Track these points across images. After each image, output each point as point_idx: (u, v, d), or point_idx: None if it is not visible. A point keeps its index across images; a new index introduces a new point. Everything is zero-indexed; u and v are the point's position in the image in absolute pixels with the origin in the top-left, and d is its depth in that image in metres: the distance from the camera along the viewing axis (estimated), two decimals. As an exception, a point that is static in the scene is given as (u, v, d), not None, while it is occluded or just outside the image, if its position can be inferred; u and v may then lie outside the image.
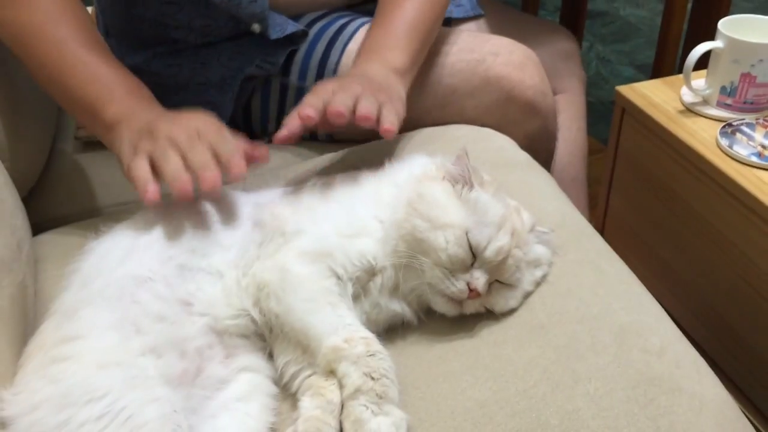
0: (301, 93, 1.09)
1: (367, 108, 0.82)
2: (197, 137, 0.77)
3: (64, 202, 1.03)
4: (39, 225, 0.98)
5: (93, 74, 0.86)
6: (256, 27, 1.03)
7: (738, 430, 0.70)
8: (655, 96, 1.20)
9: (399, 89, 0.92)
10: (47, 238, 0.95)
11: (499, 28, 1.29)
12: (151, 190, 0.75)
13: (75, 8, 0.91)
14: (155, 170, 0.76)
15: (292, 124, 0.82)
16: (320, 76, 1.08)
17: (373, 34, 0.98)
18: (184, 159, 0.76)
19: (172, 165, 0.75)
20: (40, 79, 0.90)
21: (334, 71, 1.08)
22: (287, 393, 0.73)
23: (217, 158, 0.76)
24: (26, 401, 0.64)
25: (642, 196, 1.24)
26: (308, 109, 0.81)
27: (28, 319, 0.78)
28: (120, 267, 0.74)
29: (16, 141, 0.95)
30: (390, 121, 0.83)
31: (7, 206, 0.82)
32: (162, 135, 0.78)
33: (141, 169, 0.76)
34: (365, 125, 0.82)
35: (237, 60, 1.08)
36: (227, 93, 1.08)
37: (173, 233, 0.77)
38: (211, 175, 0.74)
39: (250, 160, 0.79)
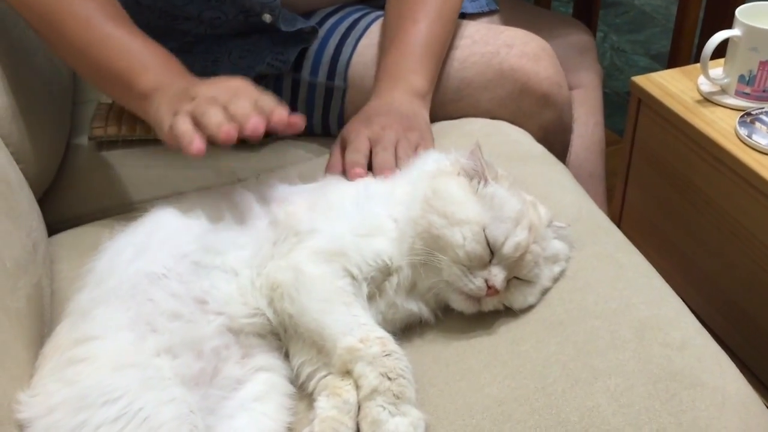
0: (312, 89, 1.09)
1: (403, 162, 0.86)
2: (237, 94, 0.78)
3: (80, 203, 1.03)
4: (54, 225, 0.98)
5: (124, 47, 0.87)
6: (267, 17, 1.02)
7: (762, 424, 0.69)
8: (671, 86, 1.18)
9: (424, 115, 0.95)
10: (63, 238, 0.95)
11: (513, 22, 1.28)
12: (197, 142, 0.75)
13: None
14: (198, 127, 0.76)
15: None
16: (332, 71, 1.07)
17: (391, 55, 0.99)
18: (226, 111, 0.76)
19: (215, 117, 0.75)
20: (69, 57, 0.90)
21: (347, 67, 1.07)
22: (304, 392, 0.72)
23: (259, 110, 0.76)
24: (43, 403, 0.64)
25: (659, 188, 1.22)
26: (356, 169, 0.85)
27: (44, 320, 0.78)
28: (133, 265, 0.73)
29: (31, 142, 0.95)
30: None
31: (22, 208, 0.82)
32: (202, 95, 0.78)
33: (184, 124, 0.76)
34: None
35: (247, 58, 1.07)
36: None
37: (187, 230, 0.77)
38: (254, 119, 0.74)
39: (286, 124, 0.79)
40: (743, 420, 0.68)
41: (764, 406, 0.71)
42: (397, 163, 0.86)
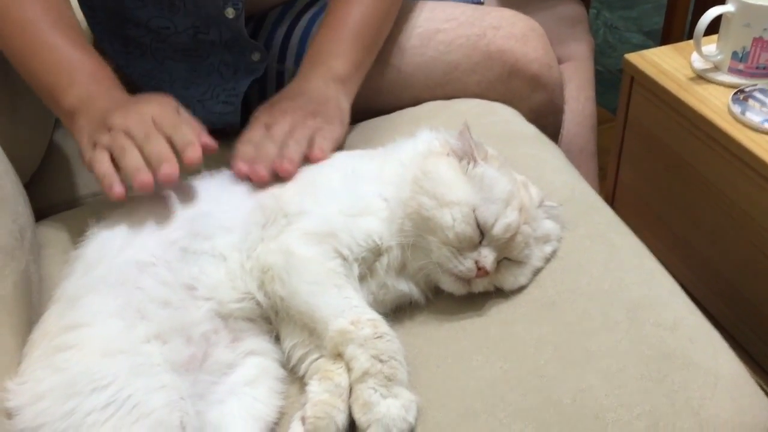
0: (281, 75, 1.07)
1: (289, 156, 0.82)
2: (153, 127, 0.77)
3: (67, 188, 1.02)
4: (42, 211, 0.97)
5: (55, 59, 0.84)
6: (230, 12, 0.97)
7: (754, 404, 0.69)
8: (664, 63, 1.17)
9: (339, 101, 0.92)
10: (50, 224, 0.94)
11: None
12: (116, 188, 0.75)
13: None
14: (115, 164, 0.76)
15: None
16: None
17: (318, 39, 0.96)
18: (141, 151, 0.75)
19: (130, 161, 0.75)
20: (10, 60, 0.88)
21: None
22: (295, 376, 0.72)
23: (173, 147, 0.76)
24: (31, 391, 0.64)
25: (652, 167, 1.22)
26: (240, 164, 0.82)
27: (32, 307, 0.77)
28: (122, 252, 0.73)
29: (17, 126, 0.94)
30: (320, 149, 0.84)
31: (8, 192, 0.81)
32: (117, 128, 0.77)
33: (102, 165, 0.76)
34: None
35: (191, 89, 1.05)
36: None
37: (175, 216, 0.76)
38: (166, 167, 0.74)
39: (205, 148, 0.78)
40: (736, 400, 0.68)
41: (757, 387, 0.71)
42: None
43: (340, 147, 0.89)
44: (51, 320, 0.70)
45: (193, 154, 0.75)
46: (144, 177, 0.74)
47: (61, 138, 1.08)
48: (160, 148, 0.75)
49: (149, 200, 0.78)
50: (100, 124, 0.79)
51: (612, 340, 0.71)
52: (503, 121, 1.00)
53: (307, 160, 0.83)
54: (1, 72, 0.92)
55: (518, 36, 1.03)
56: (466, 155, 0.75)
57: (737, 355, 0.73)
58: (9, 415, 0.63)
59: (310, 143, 0.84)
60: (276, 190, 0.78)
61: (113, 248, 0.73)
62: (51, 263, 0.85)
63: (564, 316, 0.73)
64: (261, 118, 0.88)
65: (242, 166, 0.81)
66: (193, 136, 0.77)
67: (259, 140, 0.84)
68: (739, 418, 0.67)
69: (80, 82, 0.83)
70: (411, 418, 0.65)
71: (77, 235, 0.78)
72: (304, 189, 0.78)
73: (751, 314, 1.08)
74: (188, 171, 0.77)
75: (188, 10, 1.00)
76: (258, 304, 0.73)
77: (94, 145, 0.78)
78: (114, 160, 0.76)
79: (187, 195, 0.78)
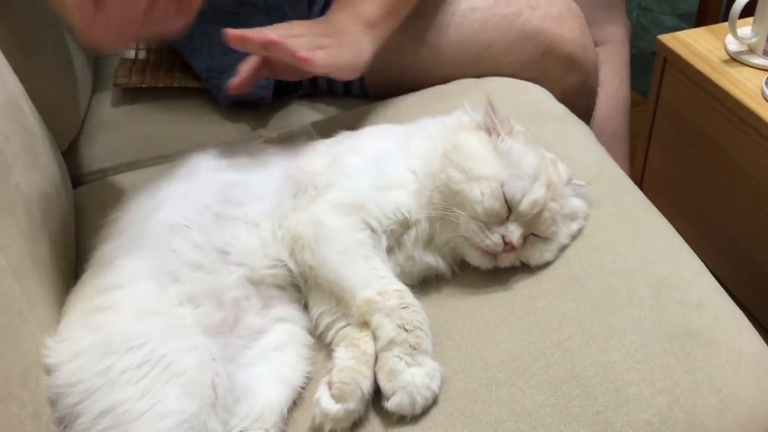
0: None
1: (290, 42, 0.81)
2: None
3: (103, 156, 1.04)
4: (78, 178, 1.00)
5: None
6: None
7: (776, 384, 0.69)
8: (698, 45, 1.16)
9: (360, 38, 0.90)
10: (86, 190, 0.96)
11: None
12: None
13: None
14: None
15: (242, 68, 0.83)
16: None
17: None
18: None
19: None
20: None
21: None
22: (322, 343, 0.73)
23: None
24: (69, 349, 0.66)
25: (683, 149, 1.21)
26: (230, 30, 0.80)
27: (69, 269, 0.80)
28: (155, 216, 0.74)
29: (55, 95, 0.96)
30: (312, 55, 0.81)
31: (47, 159, 0.83)
32: None
33: None
34: (279, 54, 0.80)
35: (229, 55, 1.01)
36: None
37: (208, 182, 0.78)
38: None
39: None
40: (758, 379, 0.68)
41: (780, 366, 0.71)
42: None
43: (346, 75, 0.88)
44: (88, 282, 0.72)
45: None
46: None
47: (97, 109, 1.10)
48: None
49: (182, 169, 0.80)
50: None
51: (636, 317, 0.71)
52: (533, 100, 1.00)
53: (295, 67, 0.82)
54: (40, 44, 0.94)
55: (555, 16, 1.02)
56: (493, 129, 0.76)
57: (761, 336, 0.73)
58: (48, 371, 0.65)
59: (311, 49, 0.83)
60: (305, 163, 0.80)
61: (147, 211, 0.75)
62: (85, 228, 0.88)
63: (588, 292, 0.74)
64: (276, 24, 0.86)
65: (236, 31, 0.80)
66: None
67: (266, 29, 0.83)
68: (760, 396, 0.67)
69: None
70: (435, 387, 0.66)
71: (112, 202, 0.80)
72: (333, 162, 0.79)
73: (778, 298, 1.08)
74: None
75: None
76: (289, 271, 0.74)
77: None
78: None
79: (221, 163, 0.80)
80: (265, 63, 0.87)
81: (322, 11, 1.06)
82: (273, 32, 0.82)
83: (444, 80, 1.04)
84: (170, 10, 0.74)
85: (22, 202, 0.72)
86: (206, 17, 1.05)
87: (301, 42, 0.82)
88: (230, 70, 1.03)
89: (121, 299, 0.68)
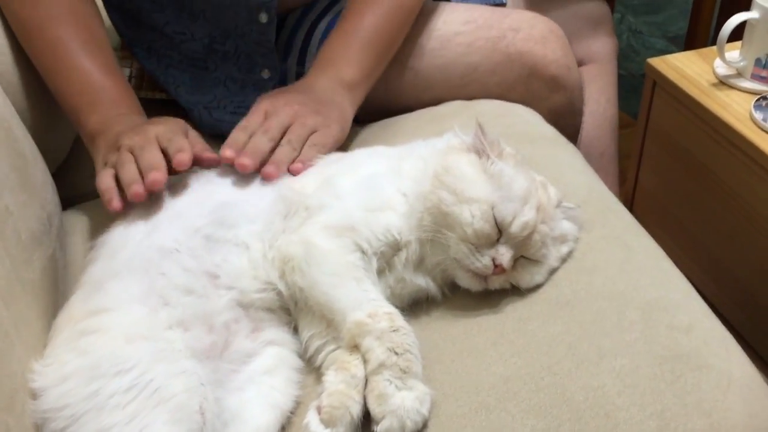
0: (300, 78, 1.08)
1: (277, 159, 0.83)
2: (151, 141, 0.80)
3: (94, 177, 1.04)
4: (68, 199, 0.99)
5: (82, 81, 0.88)
6: (263, 17, 0.99)
7: (766, 408, 0.69)
8: (687, 68, 1.17)
9: (343, 105, 0.92)
10: (76, 212, 0.96)
11: None
12: (114, 203, 0.78)
13: (82, 7, 0.91)
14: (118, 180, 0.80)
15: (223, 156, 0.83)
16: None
17: (331, 43, 0.97)
18: (138, 163, 0.79)
19: (126, 173, 0.78)
20: (41, 76, 0.92)
21: None
22: (312, 366, 0.73)
23: (167, 156, 0.79)
24: (56, 373, 0.65)
25: (672, 171, 1.22)
26: (228, 151, 0.82)
27: (58, 292, 0.79)
28: (146, 239, 0.74)
29: (47, 116, 0.96)
30: (305, 161, 0.83)
31: (37, 181, 0.83)
32: (124, 146, 0.81)
33: (104, 181, 0.80)
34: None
35: (196, 95, 1.06)
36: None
37: (199, 205, 0.78)
38: (153, 174, 0.77)
39: (198, 161, 0.81)
40: (748, 403, 0.68)
41: (769, 390, 0.72)
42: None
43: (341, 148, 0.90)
44: (76, 305, 0.72)
45: (182, 157, 0.79)
46: (136, 188, 0.77)
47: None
48: (151, 156, 0.79)
49: (174, 189, 0.80)
50: (112, 145, 0.83)
51: (626, 341, 0.71)
52: (523, 122, 1.01)
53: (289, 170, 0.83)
54: (32, 67, 0.94)
55: (537, 38, 1.03)
56: (483, 152, 0.76)
57: (750, 358, 0.73)
58: (34, 395, 0.65)
59: (303, 146, 0.85)
60: (296, 184, 0.80)
61: (138, 234, 0.75)
62: (76, 250, 0.88)
63: (579, 315, 0.74)
64: (262, 105, 0.88)
65: (229, 152, 0.82)
66: (186, 144, 0.80)
67: (255, 129, 0.85)
68: (750, 421, 0.67)
69: (103, 107, 0.87)
70: (425, 411, 0.66)
71: (102, 223, 0.80)
72: (324, 183, 0.79)
73: (765, 319, 1.08)
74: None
75: (208, 18, 1.01)
76: (279, 294, 0.74)
77: (105, 164, 0.83)
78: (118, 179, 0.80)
79: (211, 184, 0.80)
80: None
81: (299, 62, 1.07)
82: (263, 136, 0.84)
83: (432, 103, 1.05)
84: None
85: (11, 224, 0.72)
86: (170, 62, 1.06)
87: (294, 144, 0.84)
88: (199, 108, 1.04)
89: (110, 322, 0.68)
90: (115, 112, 0.87)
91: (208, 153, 0.82)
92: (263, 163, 0.82)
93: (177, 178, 0.81)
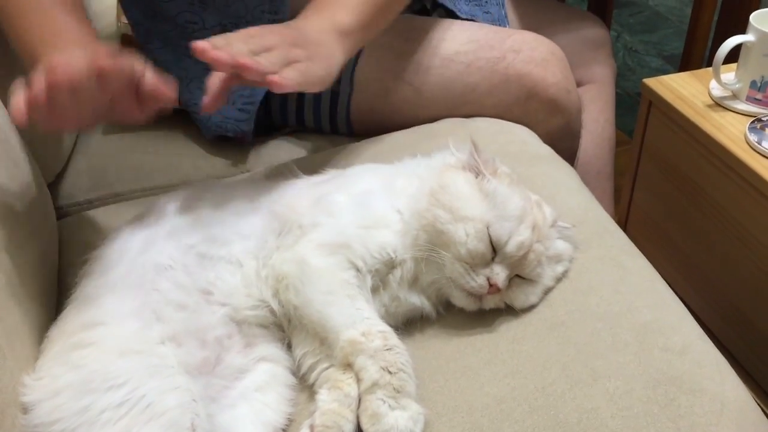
0: (318, 92, 1.08)
1: (254, 62, 0.76)
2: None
3: (89, 187, 1.04)
4: (64, 209, 0.99)
5: (42, 20, 0.80)
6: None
7: (759, 432, 0.69)
8: (683, 89, 1.18)
9: (332, 48, 0.86)
10: (72, 222, 0.96)
11: (527, 15, 1.27)
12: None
13: None
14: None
15: (210, 83, 0.79)
16: (338, 76, 1.06)
17: None
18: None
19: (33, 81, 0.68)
20: None
21: (352, 71, 1.05)
22: (305, 384, 0.73)
23: None
24: (48, 387, 0.65)
25: (667, 191, 1.22)
26: (202, 43, 0.75)
27: (50, 304, 0.79)
28: (141, 255, 0.74)
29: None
30: (284, 76, 0.77)
31: (32, 192, 0.83)
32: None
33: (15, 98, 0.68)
34: (249, 77, 0.76)
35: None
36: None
37: (193, 221, 0.78)
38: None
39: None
40: (741, 427, 0.68)
41: (763, 414, 0.72)
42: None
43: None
44: (69, 318, 0.71)
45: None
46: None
47: (85, 140, 1.10)
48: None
49: (168, 204, 0.80)
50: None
51: (620, 362, 0.71)
52: (519, 141, 1.01)
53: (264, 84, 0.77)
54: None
55: (538, 60, 1.03)
56: (477, 170, 0.76)
57: (742, 380, 0.73)
58: (25, 409, 0.64)
59: (281, 67, 0.79)
60: (290, 201, 0.80)
61: (132, 250, 0.75)
62: (70, 262, 0.87)
63: (573, 336, 0.74)
64: (249, 30, 0.82)
65: (204, 44, 0.74)
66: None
67: (236, 40, 0.79)
68: (743, 445, 0.67)
69: (63, 46, 0.78)
70: (418, 431, 0.66)
71: (97, 234, 0.80)
72: (319, 201, 0.79)
73: (759, 341, 1.08)
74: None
75: (218, 6, 1.00)
76: (272, 312, 0.74)
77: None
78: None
79: (205, 201, 0.80)
80: (234, 75, 0.80)
81: None
82: (243, 45, 0.78)
83: (429, 120, 1.05)
84: (132, 107, 0.73)
85: (5, 235, 0.72)
86: (186, 53, 1.06)
87: (272, 58, 0.78)
88: None
89: (103, 337, 0.68)
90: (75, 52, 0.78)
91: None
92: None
93: (169, 197, 0.80)
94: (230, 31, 0.97)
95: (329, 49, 0.86)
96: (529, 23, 1.25)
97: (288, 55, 0.80)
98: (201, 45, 0.74)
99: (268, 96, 1.09)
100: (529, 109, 1.04)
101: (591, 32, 1.34)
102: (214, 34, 1.00)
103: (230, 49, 0.76)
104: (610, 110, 1.33)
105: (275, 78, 0.77)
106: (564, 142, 1.09)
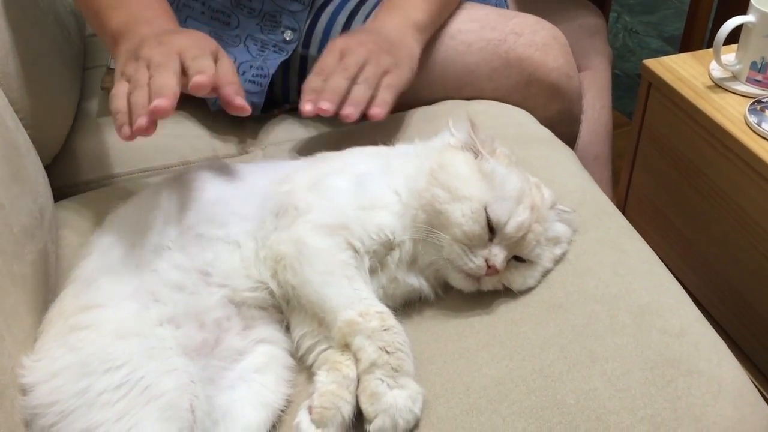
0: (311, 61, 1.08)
1: (355, 100, 0.84)
2: (171, 57, 0.73)
3: (87, 169, 1.04)
4: (61, 191, 0.99)
5: None
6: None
7: (756, 414, 0.70)
8: (682, 70, 1.17)
9: (413, 46, 0.93)
10: (69, 204, 0.95)
11: (524, 1, 1.26)
12: (124, 131, 0.72)
13: None
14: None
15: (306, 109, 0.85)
16: None
17: None
18: (149, 85, 0.72)
19: (136, 98, 0.71)
20: None
21: None
22: (303, 365, 0.73)
23: (186, 73, 0.73)
24: (46, 368, 0.65)
25: (666, 173, 1.22)
26: (307, 105, 0.84)
27: (49, 286, 0.79)
28: (139, 236, 0.74)
29: (41, 108, 0.95)
30: (380, 104, 0.85)
31: (30, 173, 0.83)
32: (143, 58, 0.74)
33: (117, 102, 0.73)
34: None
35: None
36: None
37: (191, 202, 0.77)
38: (158, 101, 0.69)
39: (218, 90, 0.74)
40: (738, 409, 0.69)
41: (759, 396, 0.72)
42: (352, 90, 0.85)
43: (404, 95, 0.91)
44: (67, 300, 0.71)
45: (200, 80, 0.71)
46: (140, 122, 0.70)
47: (83, 120, 1.09)
48: (163, 79, 0.71)
49: (166, 185, 0.79)
50: (133, 54, 0.76)
51: (618, 344, 0.71)
52: (518, 123, 1.01)
53: (365, 117, 0.85)
54: (27, 55, 0.93)
55: (539, 44, 1.02)
56: (475, 149, 0.76)
57: (740, 362, 0.74)
58: (24, 391, 0.64)
59: (377, 87, 0.86)
60: (288, 183, 0.79)
61: (130, 232, 0.75)
62: (67, 244, 0.87)
63: (571, 318, 0.74)
64: (337, 44, 0.90)
65: (309, 106, 0.84)
66: (209, 66, 0.73)
67: (332, 70, 0.86)
68: (740, 426, 0.67)
69: (128, 5, 0.82)
70: (417, 410, 0.66)
71: (95, 216, 0.80)
72: (317, 182, 0.79)
73: (757, 323, 1.08)
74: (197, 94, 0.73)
75: None
76: (270, 293, 0.74)
77: (120, 75, 0.76)
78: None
79: (204, 181, 0.80)
80: None
81: (325, 32, 1.06)
82: (339, 77, 0.85)
83: (429, 102, 1.04)
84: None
85: (3, 217, 0.71)
86: (195, 15, 1.04)
87: (368, 79, 0.85)
88: None
89: (101, 319, 0.68)
90: (141, 12, 0.82)
91: (231, 87, 0.74)
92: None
93: (168, 179, 0.80)
94: (246, 6, 0.97)
95: (409, 48, 0.93)
96: (526, 10, 1.24)
97: (379, 69, 0.87)
98: (308, 109, 0.83)
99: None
100: (530, 94, 1.03)
101: (587, 20, 1.34)
102: (232, 6, 1.00)
103: (329, 86, 0.84)
104: (606, 96, 1.33)
105: (376, 111, 0.85)
106: (564, 127, 1.08)
